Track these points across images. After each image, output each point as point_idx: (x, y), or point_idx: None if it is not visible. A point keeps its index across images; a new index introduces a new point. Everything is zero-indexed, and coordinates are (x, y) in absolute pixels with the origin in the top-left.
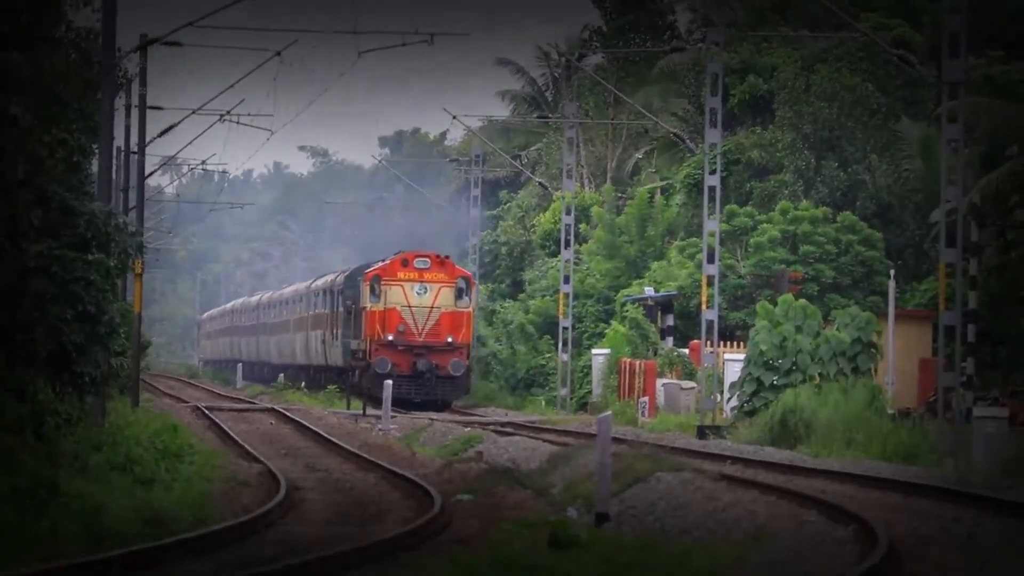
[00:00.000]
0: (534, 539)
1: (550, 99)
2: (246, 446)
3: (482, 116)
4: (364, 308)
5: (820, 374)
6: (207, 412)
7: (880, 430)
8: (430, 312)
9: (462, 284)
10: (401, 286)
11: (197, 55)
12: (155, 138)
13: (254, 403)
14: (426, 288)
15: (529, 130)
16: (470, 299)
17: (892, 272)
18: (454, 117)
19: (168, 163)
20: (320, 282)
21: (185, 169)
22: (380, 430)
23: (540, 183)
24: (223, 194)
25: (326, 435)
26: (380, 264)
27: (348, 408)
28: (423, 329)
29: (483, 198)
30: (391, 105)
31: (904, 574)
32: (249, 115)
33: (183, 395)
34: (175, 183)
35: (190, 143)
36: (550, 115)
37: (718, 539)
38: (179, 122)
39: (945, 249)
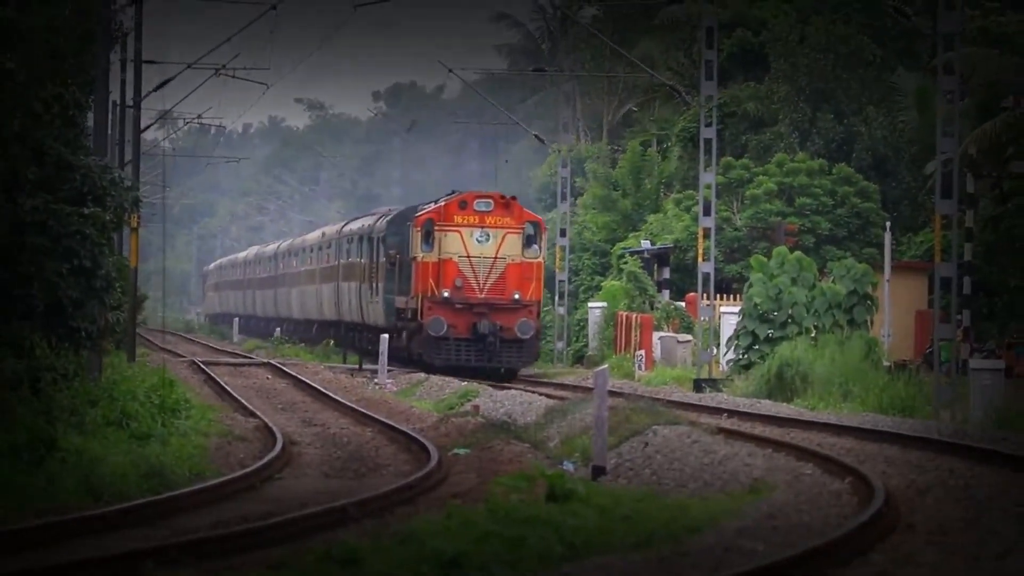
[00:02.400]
0: (531, 493)
1: (546, 52)
2: (242, 401)
3: (478, 69)
4: (414, 259)
5: (816, 326)
6: (203, 367)
7: (876, 383)
8: (493, 263)
9: (531, 230)
10: (459, 232)
11: (192, 8)
12: (151, 92)
13: (251, 358)
14: (488, 235)
15: (526, 83)
16: (540, 248)
17: (888, 224)
18: (450, 70)
19: (164, 117)
20: (354, 226)
21: (181, 123)
22: (376, 384)
23: (536, 136)
24: (219, 148)
25: (323, 389)
26: (432, 206)
27: (344, 363)
28: (485, 284)
29: (481, 151)
30: (387, 58)
31: (901, 525)
32: (245, 69)
33: (179, 350)
34: (171, 137)
35: (186, 97)
36: (546, 68)
37: (715, 492)
38: (175, 76)
39: (941, 200)
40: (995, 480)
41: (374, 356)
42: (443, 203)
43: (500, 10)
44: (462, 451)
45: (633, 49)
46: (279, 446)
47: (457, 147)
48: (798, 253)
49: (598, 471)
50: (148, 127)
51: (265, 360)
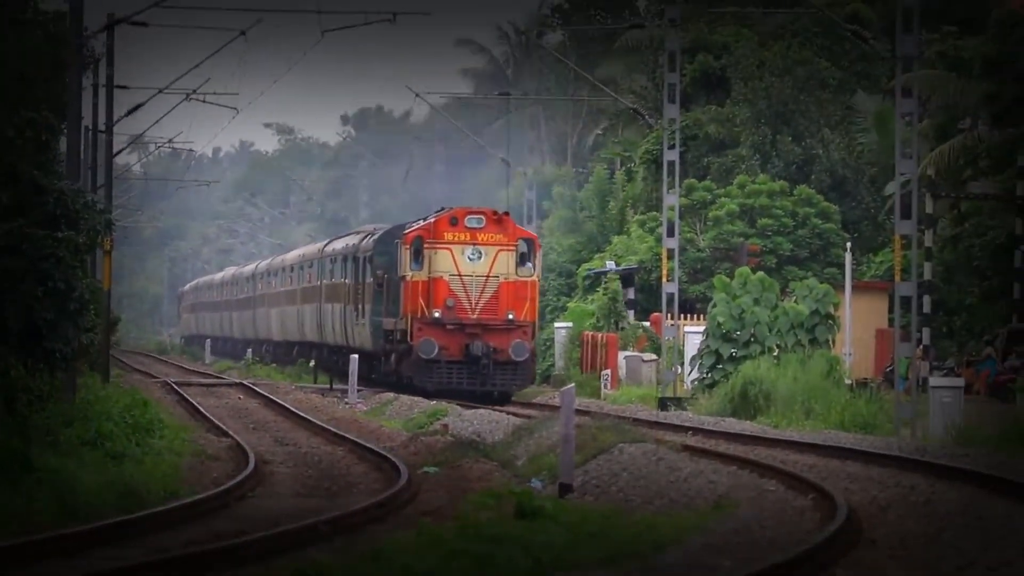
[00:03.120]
0: (500, 510)
1: (511, 77)
2: (215, 420)
3: (445, 93)
4: (403, 278)
5: (779, 345)
6: (176, 387)
7: (838, 400)
8: (486, 282)
9: (524, 247)
10: (449, 250)
11: (164, 35)
12: (122, 117)
13: (223, 378)
14: (480, 252)
15: (491, 107)
16: (535, 266)
17: (848, 244)
18: (417, 95)
19: (135, 142)
20: (338, 245)
21: (152, 148)
22: (347, 404)
23: (503, 159)
24: (190, 172)
25: (294, 409)
26: (421, 223)
27: (315, 383)
28: (477, 303)
29: (446, 175)
30: (355, 83)
31: (863, 541)
32: (215, 93)
33: (152, 371)
34: (142, 161)
35: (157, 122)
36: (510, 92)
37: (680, 508)
38: (146, 101)
39: (900, 221)
40: (955, 496)
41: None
42: (432, 219)
43: (464, 36)
44: (432, 470)
45: (595, 72)
46: (251, 465)
47: (423, 171)
48: (760, 273)
49: (565, 489)
50: (120, 151)
51: (237, 380)
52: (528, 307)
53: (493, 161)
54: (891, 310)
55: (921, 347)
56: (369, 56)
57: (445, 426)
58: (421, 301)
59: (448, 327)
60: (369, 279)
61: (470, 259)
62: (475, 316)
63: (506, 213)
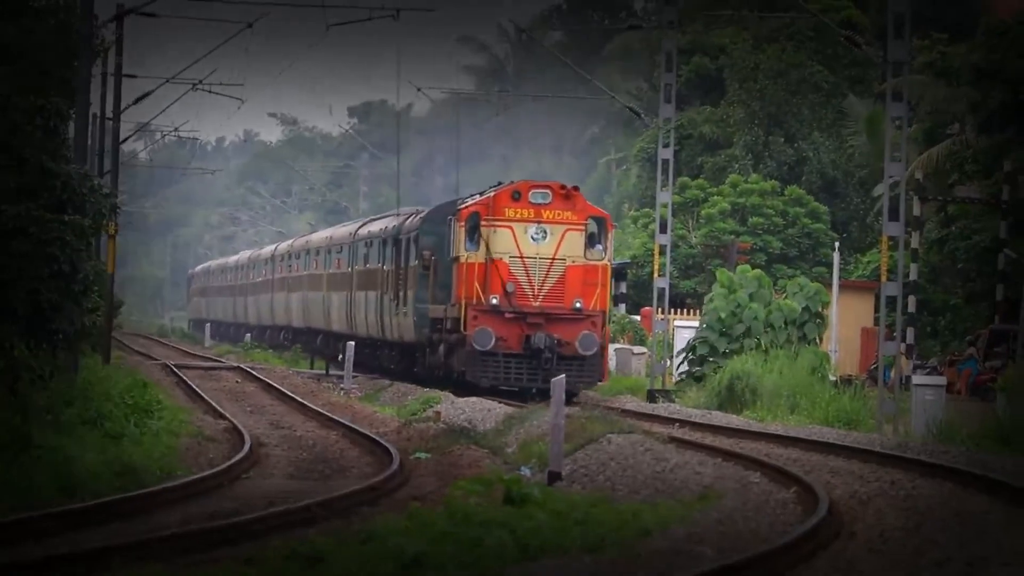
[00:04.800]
0: (489, 496)
1: (511, 74)
2: (213, 403)
3: (446, 89)
4: (456, 259)
5: (771, 342)
6: (176, 370)
7: (823, 396)
8: (551, 265)
9: (595, 226)
10: (510, 228)
11: (172, 25)
12: (130, 105)
13: (221, 362)
14: (545, 231)
15: (491, 103)
16: (606, 248)
17: (837, 244)
18: (419, 89)
19: (142, 130)
20: (373, 228)
21: (158, 136)
22: (342, 389)
23: (502, 156)
24: (195, 161)
25: (290, 393)
26: (478, 198)
27: (311, 367)
28: (541, 289)
29: (446, 168)
30: (358, 77)
31: (844, 533)
32: (221, 84)
33: (153, 353)
34: (148, 149)
35: (164, 111)
36: (510, 90)
37: (666, 498)
38: (153, 90)
39: (888, 223)
40: (935, 492)
41: (395, 375)
42: (492, 194)
43: (466, 33)
44: (423, 455)
45: (593, 73)
46: (247, 447)
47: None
48: (758, 271)
49: (554, 477)
50: (127, 139)
51: (235, 364)
52: (599, 294)
53: (492, 157)
54: (877, 309)
55: (904, 346)
56: (373, 51)
57: (438, 413)
58: (477, 286)
59: (507, 316)
60: (414, 262)
61: (533, 239)
62: (538, 304)
63: (575, 188)
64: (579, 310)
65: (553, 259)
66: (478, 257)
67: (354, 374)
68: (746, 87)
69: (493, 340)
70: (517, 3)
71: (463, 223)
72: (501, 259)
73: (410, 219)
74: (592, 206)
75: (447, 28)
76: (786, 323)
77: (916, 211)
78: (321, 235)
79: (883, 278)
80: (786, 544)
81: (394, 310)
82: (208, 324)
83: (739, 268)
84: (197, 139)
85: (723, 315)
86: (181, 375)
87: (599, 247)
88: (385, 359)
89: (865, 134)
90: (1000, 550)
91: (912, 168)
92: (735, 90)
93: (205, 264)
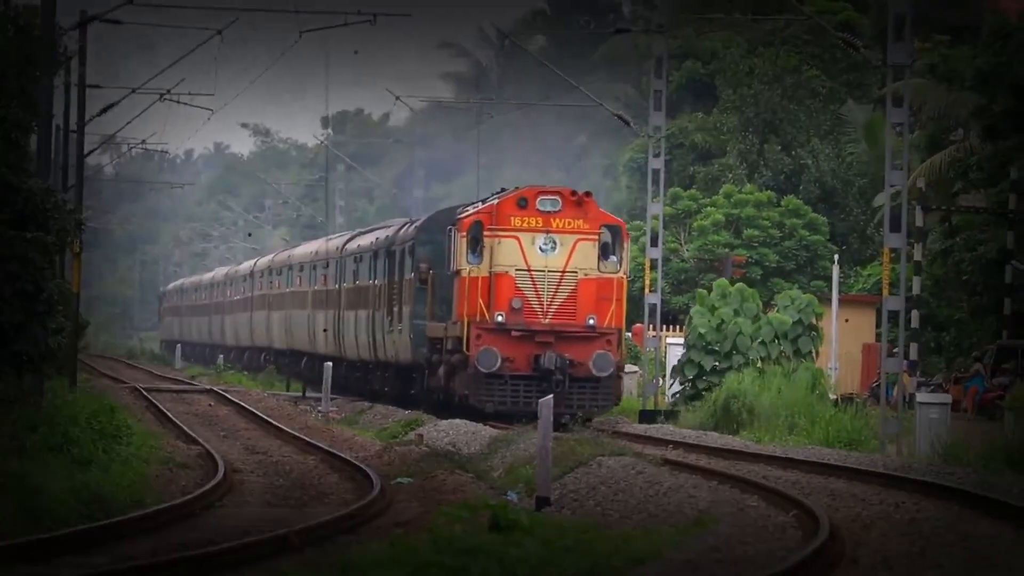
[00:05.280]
0: (474, 522)
1: (494, 81)
2: (184, 428)
3: (425, 97)
4: (458, 273)
5: (761, 357)
6: (145, 393)
7: (823, 416)
8: (561, 279)
9: (608, 236)
10: (516, 238)
11: (138, 33)
12: (94, 116)
13: (193, 384)
14: (555, 241)
15: (472, 112)
16: (621, 259)
17: (836, 257)
18: (397, 98)
19: (108, 142)
20: (363, 241)
21: (125, 148)
22: (320, 412)
23: (482, 166)
24: (164, 174)
25: (265, 417)
26: (481, 205)
27: (287, 390)
28: (551, 305)
29: (426, 180)
30: (334, 85)
31: (846, 559)
32: (190, 94)
33: (122, 376)
34: (115, 162)
35: (130, 122)
36: (493, 97)
37: (659, 523)
38: (119, 101)
39: (889, 234)
40: (940, 514)
41: (389, 399)
42: (495, 201)
43: (446, 39)
44: (405, 480)
45: (580, 80)
46: (221, 473)
47: (403, 175)
48: (740, 284)
49: (542, 502)
50: (91, 152)
51: (208, 387)
52: (614, 310)
53: (474, 167)
54: (879, 324)
55: (907, 363)
56: (349, 58)
57: (420, 436)
58: (480, 301)
59: (514, 334)
60: (409, 276)
61: (542, 250)
62: (547, 321)
63: (587, 193)
64: (592, 327)
65: (564, 272)
66: (481, 270)
67: (333, 396)
68: (740, 93)
69: (499, 361)
70: (498, 8)
71: (464, 233)
72: (507, 272)
73: (404, 229)
74: (606, 213)
75: (426, 34)
76: (777, 337)
77: (919, 221)
78: (305, 250)
79: (885, 292)
80: (785, 571)
81: (388, 328)
82: (179, 345)
83: (716, 283)
84: (165, 152)
85: (703, 331)
86: (151, 398)
87: (613, 258)
88: (378, 382)
89: (865, 141)
90: None
91: (914, 176)
92: (728, 96)
93: (179, 282)
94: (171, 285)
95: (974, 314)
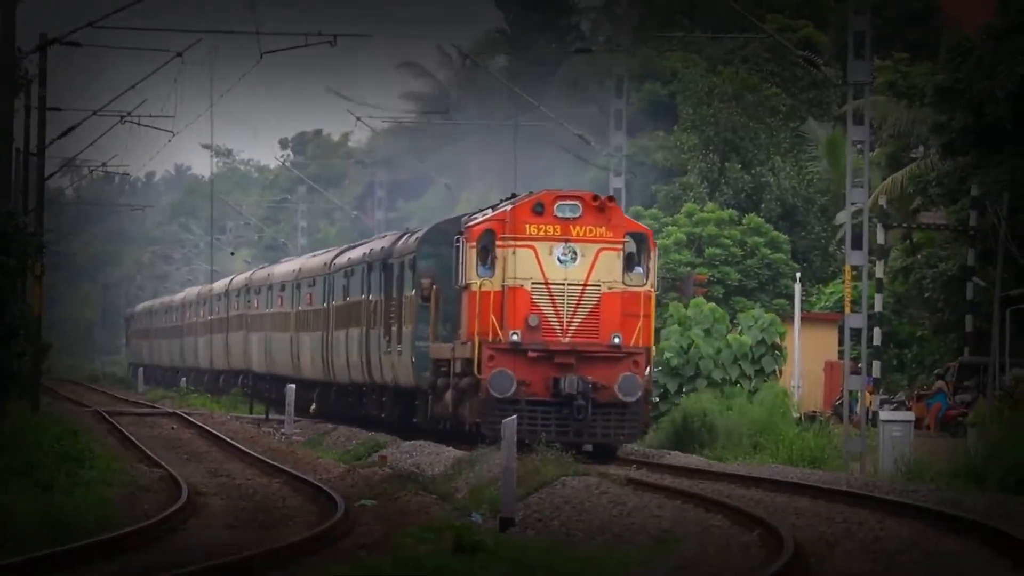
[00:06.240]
0: (438, 544)
1: (455, 101)
2: (147, 451)
3: (386, 117)
4: (467, 287)
5: (723, 379)
6: (108, 417)
7: (786, 434)
8: (583, 292)
9: (634, 245)
10: (532, 248)
11: (98, 56)
12: (55, 139)
13: (156, 407)
14: (575, 252)
15: (434, 132)
16: (648, 270)
17: (798, 275)
18: (358, 119)
19: (68, 165)
20: (355, 254)
21: (86, 171)
22: (283, 435)
23: (446, 185)
24: (125, 197)
25: (229, 440)
26: (491, 212)
27: (251, 412)
28: (571, 322)
29: (388, 201)
30: (294, 106)
31: None
32: (151, 116)
33: (84, 399)
34: (75, 185)
35: (91, 145)
36: (454, 118)
37: (624, 544)
38: (79, 123)
39: (851, 251)
40: (904, 532)
41: (383, 427)
42: (508, 208)
43: (407, 59)
44: (369, 502)
45: (541, 100)
46: (184, 496)
47: (363, 196)
48: (712, 305)
49: (506, 523)
50: (52, 175)
51: (171, 410)
52: (641, 327)
53: (437, 187)
54: (841, 342)
55: (870, 380)
56: (309, 79)
57: (384, 458)
58: (493, 319)
59: (530, 355)
60: (410, 291)
61: (561, 261)
62: (567, 340)
63: (610, 198)
64: (617, 347)
65: (585, 285)
66: (494, 284)
67: (296, 418)
68: (699, 112)
69: (514, 385)
70: (459, 28)
71: (474, 243)
72: (522, 286)
73: (403, 240)
74: (631, 220)
75: (387, 56)
76: (737, 359)
77: (880, 239)
78: (286, 267)
79: (847, 309)
80: None
81: (385, 349)
82: (141, 369)
83: (693, 302)
84: (126, 174)
85: (669, 355)
86: (114, 422)
87: (639, 269)
88: (373, 407)
89: (825, 159)
90: None
91: (875, 194)
92: (688, 115)
93: (147, 303)
94: (139, 307)
95: (936, 331)
